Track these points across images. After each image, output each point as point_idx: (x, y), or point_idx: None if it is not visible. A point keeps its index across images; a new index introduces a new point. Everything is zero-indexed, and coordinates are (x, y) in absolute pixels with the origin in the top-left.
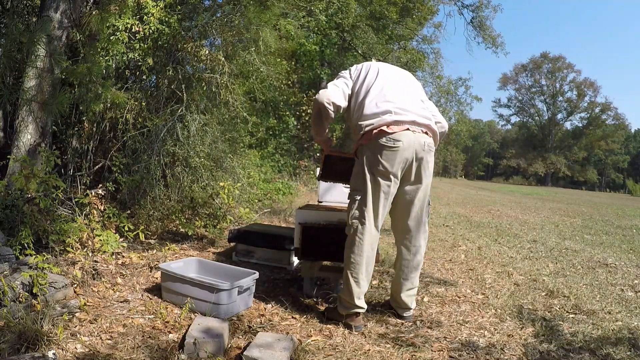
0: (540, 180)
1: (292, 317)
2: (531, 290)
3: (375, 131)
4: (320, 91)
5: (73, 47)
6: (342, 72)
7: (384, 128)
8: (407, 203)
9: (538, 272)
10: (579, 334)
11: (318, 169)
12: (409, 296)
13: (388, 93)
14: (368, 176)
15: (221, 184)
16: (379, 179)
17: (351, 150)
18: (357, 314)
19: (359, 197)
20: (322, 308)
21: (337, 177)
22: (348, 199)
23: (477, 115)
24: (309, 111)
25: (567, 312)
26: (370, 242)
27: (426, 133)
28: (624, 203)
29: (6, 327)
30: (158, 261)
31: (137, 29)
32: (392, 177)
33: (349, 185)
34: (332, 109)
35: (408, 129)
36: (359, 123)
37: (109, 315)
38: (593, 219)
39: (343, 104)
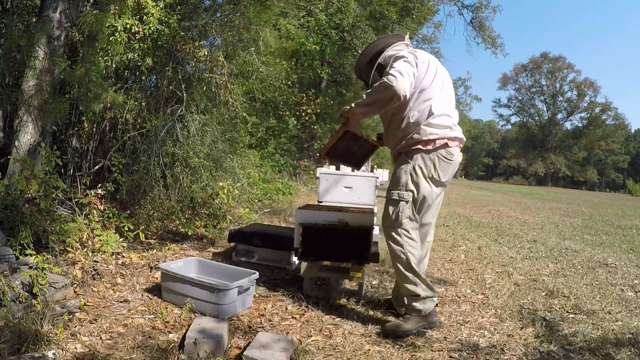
0: (540, 180)
1: (292, 317)
2: (531, 290)
3: (439, 142)
4: (398, 79)
5: (73, 47)
6: (406, 54)
7: (447, 142)
8: (436, 205)
9: (538, 272)
10: (579, 334)
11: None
12: None
13: (448, 106)
14: (424, 181)
15: (221, 184)
16: (434, 186)
17: (381, 139)
18: (436, 304)
19: (410, 198)
20: (322, 310)
21: (344, 156)
22: (393, 197)
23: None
24: (309, 111)
25: (567, 312)
26: (419, 239)
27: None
28: (624, 203)
29: (6, 327)
30: (158, 261)
31: (137, 29)
32: (442, 186)
33: (349, 167)
34: (401, 101)
35: (458, 145)
36: (423, 127)
37: (109, 315)
38: (593, 219)
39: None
